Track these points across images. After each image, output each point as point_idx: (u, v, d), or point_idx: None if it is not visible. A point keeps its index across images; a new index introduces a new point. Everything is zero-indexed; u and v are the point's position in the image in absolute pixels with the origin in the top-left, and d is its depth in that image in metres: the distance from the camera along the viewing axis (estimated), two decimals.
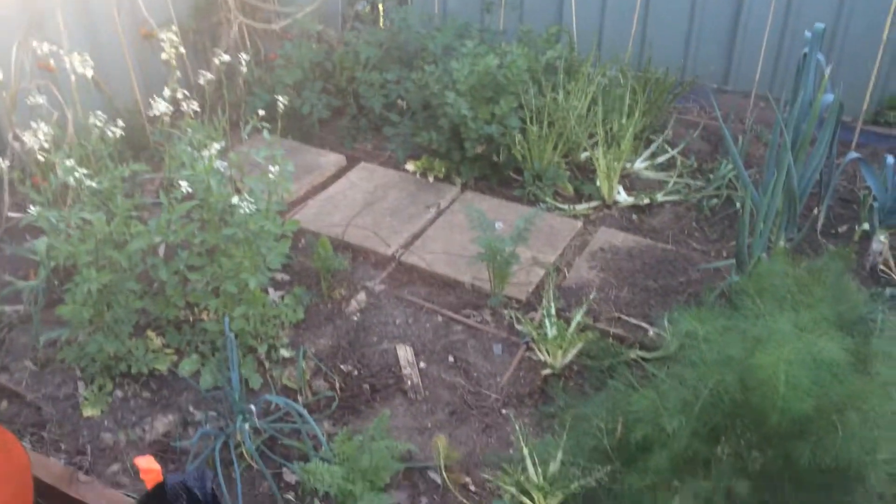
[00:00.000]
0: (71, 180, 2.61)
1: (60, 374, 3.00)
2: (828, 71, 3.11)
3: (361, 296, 3.39)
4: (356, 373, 3.02)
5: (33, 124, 2.74)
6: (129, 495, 2.46)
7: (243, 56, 3.39)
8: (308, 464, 2.36)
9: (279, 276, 3.50)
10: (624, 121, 4.03)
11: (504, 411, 2.86)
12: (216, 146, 2.74)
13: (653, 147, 4.34)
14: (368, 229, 3.76)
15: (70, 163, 2.62)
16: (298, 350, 3.04)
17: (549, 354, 2.97)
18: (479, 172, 4.14)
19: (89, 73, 2.83)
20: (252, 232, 2.85)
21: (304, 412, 2.60)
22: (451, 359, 3.09)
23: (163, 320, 3.12)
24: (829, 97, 3.27)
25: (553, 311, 3.09)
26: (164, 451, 2.72)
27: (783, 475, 2.20)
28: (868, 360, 2.18)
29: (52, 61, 3.10)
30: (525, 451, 2.44)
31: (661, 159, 4.27)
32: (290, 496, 2.57)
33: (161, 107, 2.79)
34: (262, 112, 3.18)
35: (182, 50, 3.14)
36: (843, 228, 3.76)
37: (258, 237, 2.89)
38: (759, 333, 2.12)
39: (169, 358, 3.04)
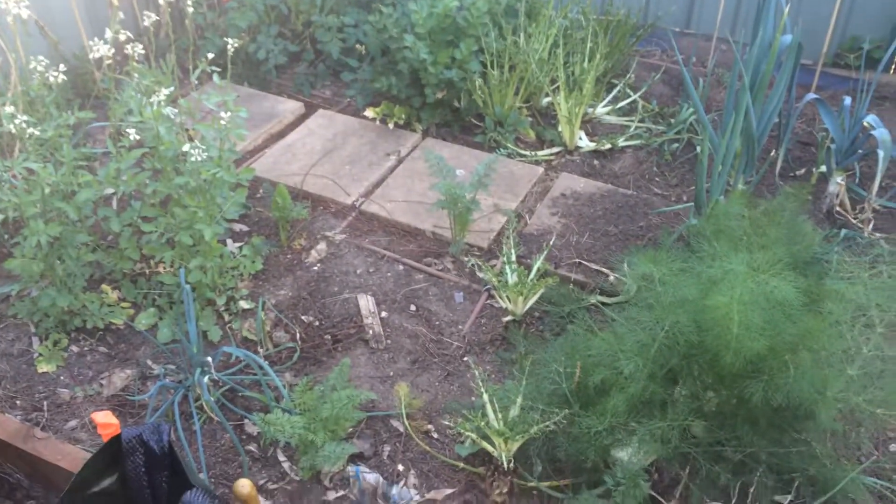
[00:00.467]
0: (12, 128, 2.50)
1: (13, 330, 2.94)
2: (786, 11, 3.09)
3: (322, 245, 3.35)
4: (317, 323, 3.00)
5: None
6: (87, 451, 2.44)
7: None
8: (268, 415, 2.35)
9: (237, 227, 3.44)
10: (586, 64, 3.98)
11: (466, 359, 2.87)
12: (165, 92, 2.65)
13: (615, 91, 4.31)
14: (328, 178, 3.70)
15: (10, 109, 2.52)
16: (258, 301, 3.01)
17: (509, 301, 2.98)
18: (440, 119, 4.08)
19: (24, 13, 2.70)
20: (205, 181, 2.79)
21: (264, 363, 2.58)
22: (412, 308, 3.08)
23: (118, 273, 3.06)
24: (788, 38, 3.25)
25: (514, 258, 3.08)
26: (122, 405, 2.69)
27: (737, 414, 2.25)
28: (821, 300, 2.21)
29: None
30: (485, 397, 2.45)
31: (622, 104, 4.24)
32: (253, 447, 2.57)
33: (102, 49, 2.67)
34: (213, 57, 3.08)
35: None
36: (801, 171, 3.79)
37: (212, 186, 2.82)
38: (713, 275, 2.14)
39: (125, 312, 2.99)
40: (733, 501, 2.36)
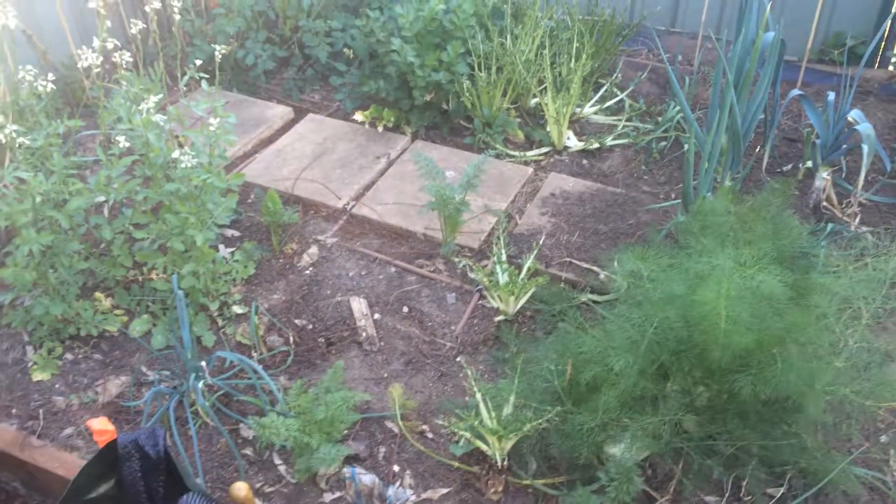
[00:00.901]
0: (2, 138, 2.51)
1: (8, 339, 2.95)
2: (769, 8, 3.12)
3: (313, 249, 3.36)
4: (311, 327, 3.02)
5: None
6: (84, 458, 2.45)
7: (174, 2, 3.26)
8: (264, 418, 2.36)
9: (229, 233, 3.46)
10: (572, 65, 4.01)
11: (459, 359, 2.89)
12: (154, 99, 2.66)
13: (602, 91, 4.34)
14: (318, 182, 3.72)
15: (0, 119, 2.53)
16: (251, 306, 3.02)
17: (501, 301, 3.00)
18: (428, 121, 4.10)
19: (12, 23, 2.71)
20: (196, 187, 2.80)
21: (259, 367, 2.59)
22: (405, 309, 3.09)
23: (111, 281, 3.07)
24: (770, 35, 3.29)
25: (504, 258, 3.10)
26: (118, 412, 2.70)
27: (728, 409, 2.27)
28: (807, 294, 2.24)
29: None
30: (479, 396, 2.47)
31: (610, 103, 4.27)
32: (248, 451, 2.58)
33: (90, 58, 2.68)
34: (201, 63, 3.09)
35: None
36: (787, 167, 3.83)
37: (203, 192, 2.84)
38: (701, 270, 2.17)
39: (119, 319, 3.00)
40: (726, 495, 2.39)
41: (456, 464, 2.50)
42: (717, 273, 2.11)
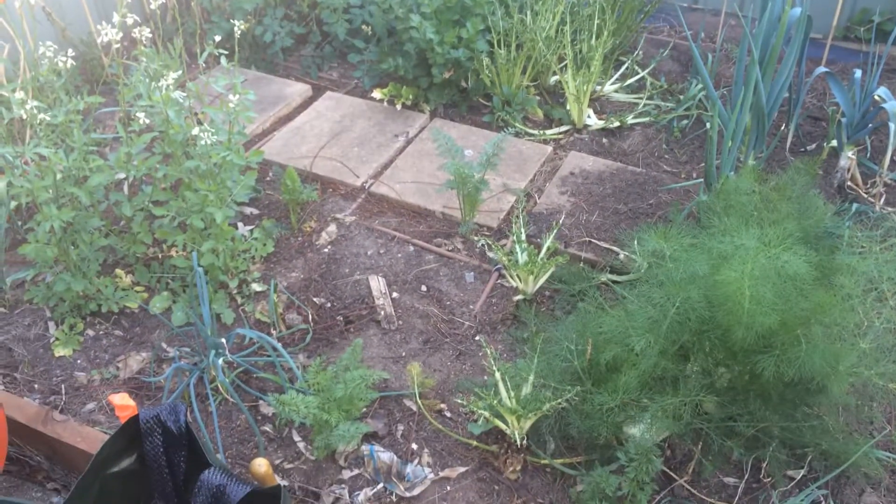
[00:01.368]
0: (23, 114, 2.52)
1: (30, 315, 2.97)
2: None
3: (332, 227, 3.36)
4: (329, 305, 3.02)
5: None
6: (105, 432, 2.47)
7: None
8: (283, 395, 2.37)
9: (248, 210, 3.46)
10: (593, 42, 3.96)
11: (477, 338, 2.88)
12: (173, 75, 2.65)
13: (623, 69, 4.29)
14: (337, 160, 3.71)
15: (20, 95, 2.53)
16: (270, 284, 3.03)
17: (520, 280, 2.99)
18: (447, 99, 4.07)
19: (32, 0, 2.70)
20: (215, 164, 2.80)
21: (278, 345, 2.60)
22: (423, 288, 3.09)
23: (131, 258, 3.08)
24: (797, 12, 3.22)
25: (524, 238, 3.09)
26: (138, 388, 2.72)
27: (749, 390, 2.25)
28: (832, 274, 2.21)
29: None
30: (497, 375, 2.47)
31: (631, 81, 4.22)
32: (268, 428, 2.60)
33: (110, 33, 2.67)
34: (220, 40, 3.07)
35: None
36: (812, 146, 3.77)
37: (222, 169, 2.83)
38: (724, 250, 2.14)
39: (139, 296, 3.01)
40: (746, 476, 2.38)
41: (474, 442, 2.50)
42: (741, 253, 2.09)
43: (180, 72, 2.78)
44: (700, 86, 3.97)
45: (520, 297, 3.00)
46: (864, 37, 4.34)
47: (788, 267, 2.02)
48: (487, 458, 2.48)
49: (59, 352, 2.82)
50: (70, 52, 2.80)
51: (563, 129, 3.94)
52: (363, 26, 4.34)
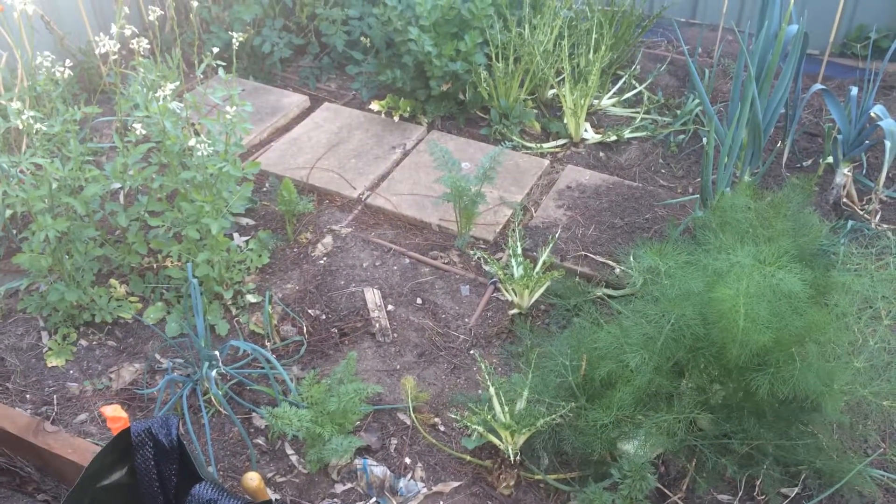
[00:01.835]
0: (19, 123, 2.51)
1: (23, 325, 2.96)
2: (792, 1, 3.07)
3: (328, 239, 3.36)
4: (324, 317, 3.01)
5: None
6: (97, 444, 2.46)
7: None
8: (276, 408, 2.36)
9: (244, 221, 3.45)
10: (591, 56, 3.97)
11: (472, 352, 2.88)
12: (170, 86, 2.65)
13: (620, 83, 4.30)
14: (334, 171, 3.71)
15: (17, 105, 2.53)
16: (265, 295, 3.02)
17: (515, 294, 2.98)
18: (445, 111, 4.08)
19: (30, 9, 2.71)
20: (212, 175, 2.79)
21: (272, 357, 2.59)
22: (419, 301, 3.08)
23: (126, 268, 3.07)
24: (794, 28, 3.24)
25: (519, 251, 3.08)
26: (131, 399, 2.71)
27: (744, 407, 2.25)
28: (827, 292, 2.21)
29: None
30: (492, 390, 2.46)
31: (628, 95, 4.23)
32: (261, 440, 2.59)
33: (107, 44, 2.67)
34: (218, 51, 3.08)
35: None
36: (808, 162, 3.78)
37: (218, 180, 2.83)
38: (720, 267, 2.14)
39: (133, 306, 3.00)
40: (740, 494, 2.37)
41: (468, 457, 2.49)
42: (736, 270, 2.09)
43: (178, 82, 2.78)
44: (697, 101, 3.98)
45: (515, 311, 3.00)
46: (861, 53, 4.36)
47: (783, 285, 2.02)
48: (481, 473, 2.47)
49: (52, 362, 2.81)
50: (68, 61, 2.81)
51: (561, 142, 3.95)
52: (362, 38, 4.35)
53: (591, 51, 3.98)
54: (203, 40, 4.25)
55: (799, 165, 3.76)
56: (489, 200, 3.39)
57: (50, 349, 2.85)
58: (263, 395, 2.70)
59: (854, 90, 3.45)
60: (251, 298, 3.05)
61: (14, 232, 3.18)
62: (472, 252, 3.27)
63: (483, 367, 2.55)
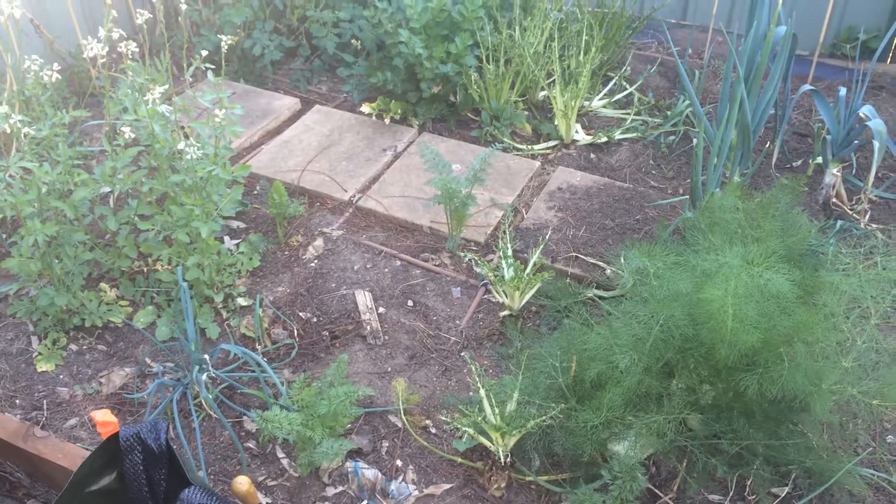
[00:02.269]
0: (7, 127, 2.50)
1: (12, 329, 2.95)
2: (780, 1, 3.08)
3: (319, 242, 3.35)
4: (315, 320, 3.01)
5: None
6: (87, 449, 2.45)
7: None
8: (267, 412, 2.36)
9: (234, 224, 3.45)
10: (581, 57, 3.98)
11: (463, 354, 2.88)
12: (160, 89, 2.64)
13: (611, 84, 4.31)
14: (325, 174, 3.70)
15: (5, 108, 2.52)
16: (256, 298, 3.02)
17: (506, 296, 2.98)
18: (436, 113, 4.08)
19: (18, 12, 2.70)
20: (201, 178, 2.79)
21: (262, 360, 2.58)
22: (410, 303, 3.08)
23: (116, 272, 3.06)
24: (783, 29, 3.25)
25: (510, 253, 3.09)
26: (121, 403, 2.70)
27: (733, 407, 2.25)
28: (815, 292, 2.22)
29: None
30: (482, 392, 2.46)
31: (618, 96, 4.24)
32: (251, 444, 2.58)
33: (96, 48, 2.66)
34: (208, 53, 3.07)
35: None
36: (797, 162, 3.79)
37: (208, 183, 2.83)
38: (708, 268, 2.14)
39: (124, 310, 3.00)
40: (730, 494, 2.38)
41: (459, 459, 2.49)
42: (724, 271, 2.09)
43: (167, 86, 2.77)
44: (687, 102, 3.99)
45: (506, 312, 3.00)
46: (850, 54, 4.38)
47: (771, 285, 2.03)
48: (472, 475, 2.47)
49: (42, 367, 2.80)
50: (56, 65, 2.80)
51: (551, 144, 3.95)
52: (352, 40, 4.35)
53: (582, 52, 3.99)
54: (193, 43, 4.24)
55: (788, 166, 3.77)
56: (480, 202, 3.39)
57: (40, 354, 2.83)
58: (254, 398, 2.69)
59: (843, 91, 3.46)
60: (242, 302, 3.04)
61: (3, 236, 3.17)
62: (463, 254, 3.27)
63: (473, 368, 2.55)
